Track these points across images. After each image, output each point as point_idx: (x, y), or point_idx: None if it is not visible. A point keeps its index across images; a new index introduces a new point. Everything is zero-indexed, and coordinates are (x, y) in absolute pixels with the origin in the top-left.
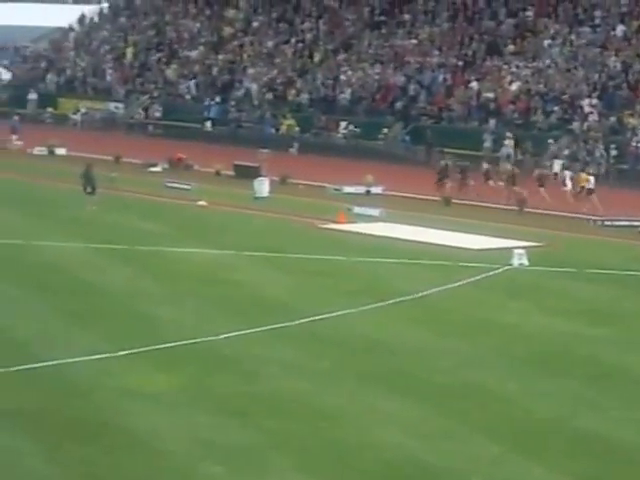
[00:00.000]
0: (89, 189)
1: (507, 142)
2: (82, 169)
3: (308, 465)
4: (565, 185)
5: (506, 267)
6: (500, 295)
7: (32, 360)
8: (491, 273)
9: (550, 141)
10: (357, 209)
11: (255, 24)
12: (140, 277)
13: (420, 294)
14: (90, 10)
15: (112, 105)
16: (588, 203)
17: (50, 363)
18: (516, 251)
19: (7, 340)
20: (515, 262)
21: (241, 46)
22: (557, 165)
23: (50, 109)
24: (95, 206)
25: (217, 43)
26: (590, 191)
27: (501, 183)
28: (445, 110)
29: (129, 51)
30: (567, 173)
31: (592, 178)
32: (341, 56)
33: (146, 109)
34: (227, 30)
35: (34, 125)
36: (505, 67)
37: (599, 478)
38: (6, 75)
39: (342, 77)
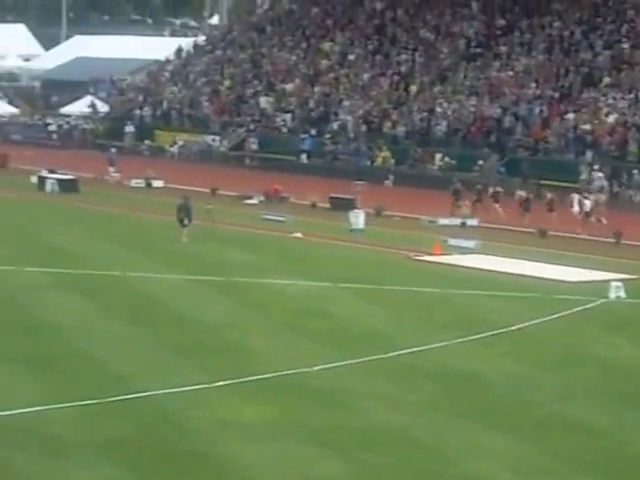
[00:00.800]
0: (185, 221)
1: (598, 174)
2: (179, 201)
3: None
4: None
5: (603, 300)
6: (596, 328)
7: (129, 391)
8: (588, 306)
9: (634, 172)
10: (452, 241)
11: (351, 57)
12: (236, 309)
13: (515, 327)
14: (187, 43)
15: (209, 137)
16: None
17: (146, 394)
18: (613, 284)
19: (105, 372)
20: (612, 295)
21: (337, 79)
22: None
23: (147, 141)
24: (189, 238)
25: (313, 76)
26: None
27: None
28: (541, 142)
29: (225, 83)
30: None
31: None
32: (437, 88)
33: (242, 141)
34: (323, 63)
35: (131, 157)
36: (602, 99)
37: None
38: (103, 107)
39: (438, 109)
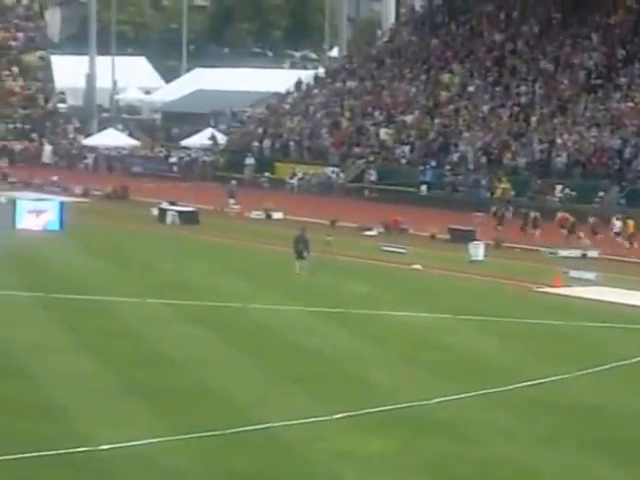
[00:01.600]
0: (304, 253)
1: None
2: (296, 233)
3: None
4: None
5: None
6: None
7: (247, 423)
8: None
9: None
10: (573, 273)
11: (471, 88)
12: (354, 340)
13: (637, 359)
14: (306, 75)
15: (328, 169)
16: None
17: (265, 426)
18: None
19: (224, 403)
20: None
21: (457, 110)
22: None
23: (267, 174)
24: (307, 271)
25: (433, 107)
26: None
27: None
28: None
29: (345, 115)
30: None
31: None
32: (557, 119)
33: (362, 173)
34: (443, 94)
35: (251, 189)
36: None
37: None
38: (223, 140)
39: (558, 140)
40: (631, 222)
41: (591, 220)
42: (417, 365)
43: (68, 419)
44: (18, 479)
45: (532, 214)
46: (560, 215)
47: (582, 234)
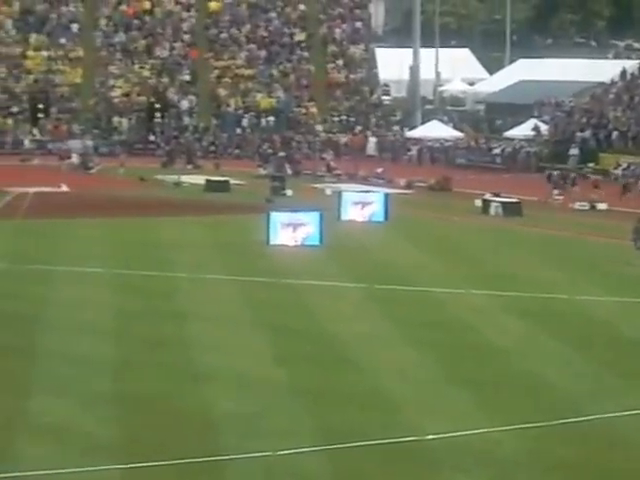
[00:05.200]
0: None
1: None
2: (634, 224)
3: None
4: None
5: None
6: None
7: (575, 414)
8: None
9: None
10: None
11: None
12: None
13: None
14: (630, 65)
15: None
16: None
17: (594, 417)
18: None
19: (550, 394)
20: None
21: None
22: None
23: (591, 164)
24: None
25: None
26: None
27: None
28: None
29: None
30: None
31: None
32: None
33: None
34: None
35: (575, 181)
36: None
37: None
38: (546, 131)
39: None
40: None
41: None
42: None
43: (396, 409)
44: (345, 469)
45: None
46: None
47: None
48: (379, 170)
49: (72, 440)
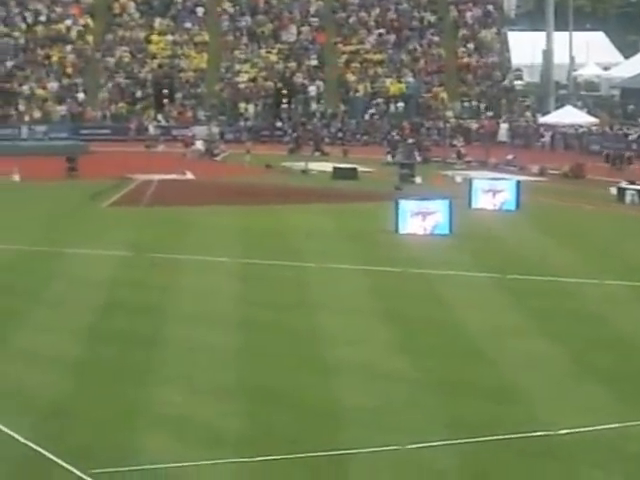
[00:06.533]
0: None
1: None
2: None
3: None
4: None
5: None
6: None
7: None
8: None
9: None
10: None
11: None
12: None
13: None
14: None
15: None
16: None
17: None
18: None
19: None
20: None
21: None
22: None
23: None
24: None
25: None
26: None
27: None
28: None
29: None
30: None
31: None
32: None
33: None
34: None
35: None
36: None
37: None
38: None
39: None
40: None
41: None
42: None
43: (528, 403)
44: (475, 464)
45: None
46: None
47: None
48: (511, 157)
49: (194, 432)
